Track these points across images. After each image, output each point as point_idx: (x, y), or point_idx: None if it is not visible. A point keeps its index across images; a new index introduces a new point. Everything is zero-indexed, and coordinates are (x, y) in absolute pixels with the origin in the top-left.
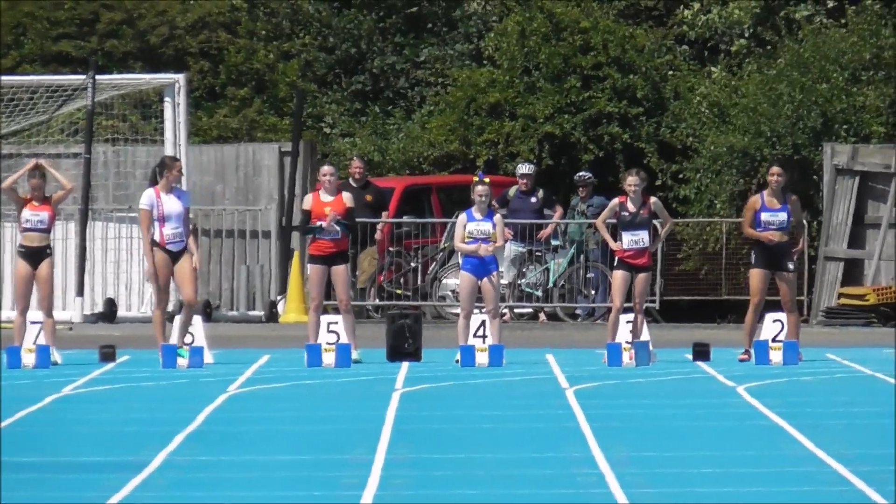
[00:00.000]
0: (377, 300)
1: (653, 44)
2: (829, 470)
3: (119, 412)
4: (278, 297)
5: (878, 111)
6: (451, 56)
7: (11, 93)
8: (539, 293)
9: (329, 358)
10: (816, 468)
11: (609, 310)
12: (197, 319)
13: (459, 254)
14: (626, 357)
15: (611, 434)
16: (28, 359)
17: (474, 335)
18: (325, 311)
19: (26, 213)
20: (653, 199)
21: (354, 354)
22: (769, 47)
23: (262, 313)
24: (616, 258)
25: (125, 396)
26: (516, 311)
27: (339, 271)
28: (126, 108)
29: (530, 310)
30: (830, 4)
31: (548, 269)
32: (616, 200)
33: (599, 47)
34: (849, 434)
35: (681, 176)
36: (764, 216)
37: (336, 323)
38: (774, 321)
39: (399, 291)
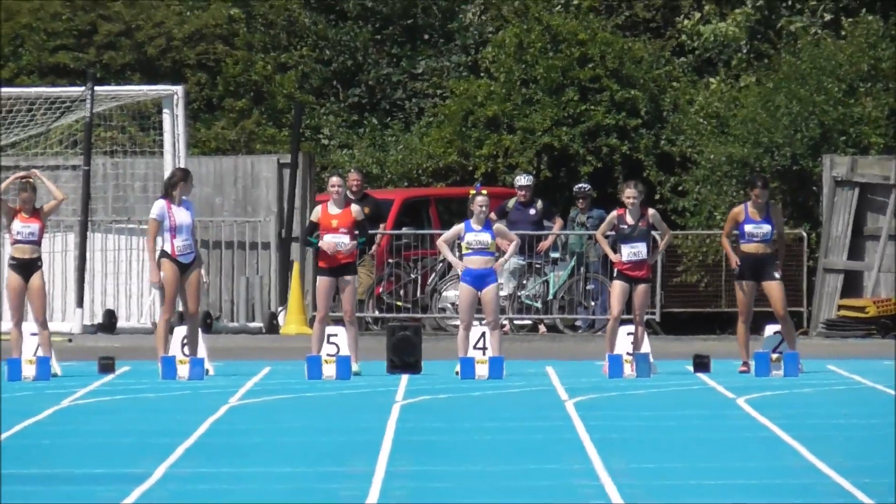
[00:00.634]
0: (376, 312)
1: (651, 55)
2: (829, 481)
3: (119, 424)
4: (278, 309)
5: (877, 122)
6: (448, 68)
7: (9, 105)
8: (539, 305)
9: (329, 370)
10: (816, 480)
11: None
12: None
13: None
14: (627, 368)
15: (611, 445)
16: (28, 370)
17: (474, 347)
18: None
19: (17, 224)
20: (651, 211)
21: (354, 367)
22: (766, 60)
23: (261, 325)
24: (615, 270)
25: (125, 408)
26: (516, 322)
27: (347, 283)
28: (125, 119)
29: (530, 322)
30: (827, 17)
31: (547, 282)
32: (614, 213)
33: (597, 59)
34: (849, 445)
35: (680, 188)
36: (748, 228)
37: (336, 335)
38: (775, 333)
39: (399, 303)
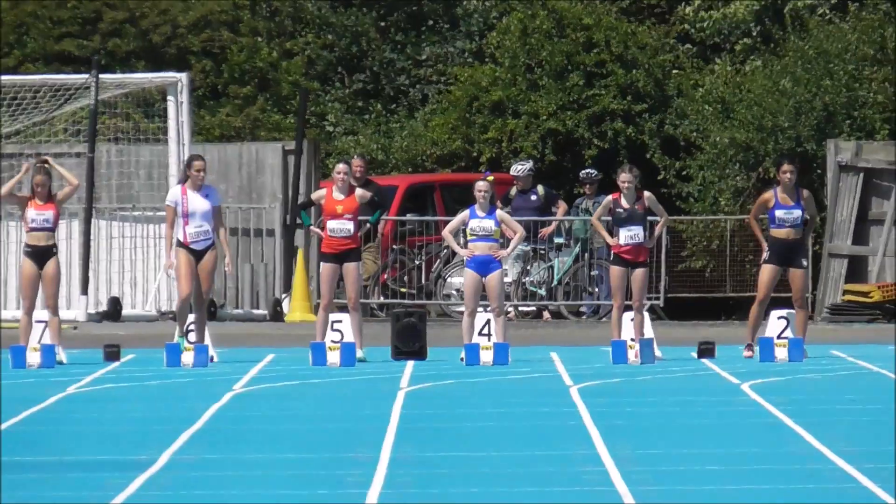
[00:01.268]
0: (381, 298)
1: (656, 40)
2: (833, 467)
3: (124, 411)
4: (283, 296)
5: (883, 107)
6: (453, 54)
7: (14, 92)
8: (543, 291)
9: (334, 357)
10: (821, 465)
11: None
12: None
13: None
14: (632, 355)
15: (615, 432)
16: (33, 358)
17: (479, 333)
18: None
19: (31, 212)
20: (647, 195)
21: (359, 353)
22: (772, 44)
23: (266, 312)
24: (612, 254)
25: (130, 395)
26: (521, 309)
27: (351, 269)
28: (129, 107)
29: (535, 308)
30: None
31: (552, 267)
32: (609, 198)
33: (602, 44)
34: (853, 431)
35: (685, 173)
36: (778, 213)
37: (340, 321)
38: (779, 318)
39: (403, 290)
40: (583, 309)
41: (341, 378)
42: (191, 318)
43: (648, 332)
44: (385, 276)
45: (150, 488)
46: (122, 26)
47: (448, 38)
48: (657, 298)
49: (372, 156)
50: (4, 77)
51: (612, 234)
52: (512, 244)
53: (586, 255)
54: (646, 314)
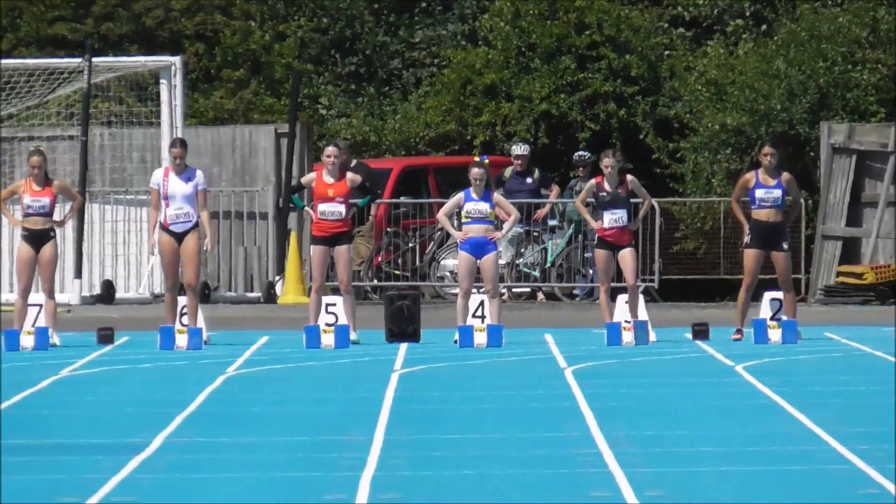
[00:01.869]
0: (375, 281)
1: (649, 23)
2: (827, 448)
3: (117, 394)
4: (276, 279)
5: (877, 89)
6: (446, 36)
7: (7, 76)
8: (537, 273)
9: (328, 339)
10: (815, 446)
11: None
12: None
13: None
14: (626, 336)
15: (609, 413)
16: (27, 341)
17: (473, 315)
18: (324, 292)
19: (27, 199)
20: (630, 178)
21: (353, 335)
22: (765, 26)
23: (259, 294)
24: (597, 238)
25: (123, 378)
26: (514, 290)
27: (342, 252)
28: (122, 90)
29: (528, 290)
30: None
31: (545, 249)
32: (593, 181)
33: (594, 27)
34: (848, 412)
35: (678, 155)
36: (759, 193)
37: (334, 304)
38: (772, 300)
39: (397, 272)
40: (576, 291)
41: (335, 361)
42: (182, 301)
43: (643, 313)
44: (379, 258)
45: (144, 471)
46: (114, 10)
47: (441, 21)
48: (651, 280)
49: (365, 137)
50: None
51: (596, 218)
52: (506, 226)
53: (580, 236)
54: (640, 296)
